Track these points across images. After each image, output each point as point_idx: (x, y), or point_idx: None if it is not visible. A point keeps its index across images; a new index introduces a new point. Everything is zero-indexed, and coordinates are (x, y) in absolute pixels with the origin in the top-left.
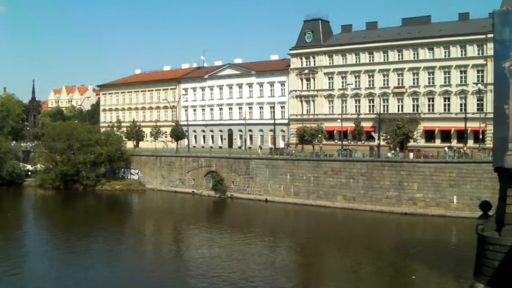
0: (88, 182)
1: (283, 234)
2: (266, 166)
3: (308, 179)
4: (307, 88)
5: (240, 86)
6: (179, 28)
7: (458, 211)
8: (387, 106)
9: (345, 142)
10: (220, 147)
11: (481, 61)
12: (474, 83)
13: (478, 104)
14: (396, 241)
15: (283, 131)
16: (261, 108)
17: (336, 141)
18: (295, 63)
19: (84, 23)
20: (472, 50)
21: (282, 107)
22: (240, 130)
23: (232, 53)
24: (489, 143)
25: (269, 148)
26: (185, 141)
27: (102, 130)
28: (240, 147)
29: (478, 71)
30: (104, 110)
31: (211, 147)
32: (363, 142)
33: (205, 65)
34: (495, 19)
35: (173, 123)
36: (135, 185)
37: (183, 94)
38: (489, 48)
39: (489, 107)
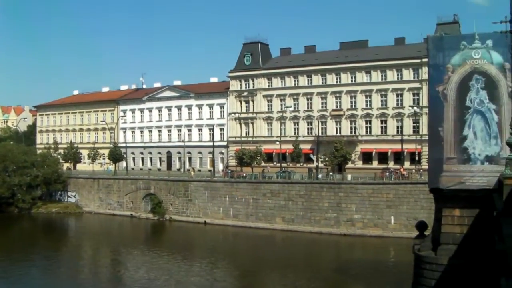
0: (23, 205)
1: (221, 257)
2: (205, 188)
3: (247, 201)
4: (246, 110)
5: (179, 108)
6: (118, 49)
7: (395, 232)
8: (325, 128)
9: (284, 164)
10: (159, 170)
11: (417, 85)
12: (410, 106)
13: (414, 127)
14: (335, 262)
15: (222, 153)
16: (200, 130)
17: (275, 163)
18: (234, 85)
19: (20, 42)
20: (408, 74)
21: (221, 129)
22: (179, 153)
23: (171, 75)
24: (425, 165)
25: (208, 170)
26: (123, 163)
27: (39, 151)
28: (179, 170)
29: (413, 94)
30: (41, 131)
31: (150, 169)
32: (301, 164)
33: (144, 86)
34: (429, 44)
35: (111, 145)
36: (72, 208)
37: (122, 116)
38: (424, 72)
39: (424, 129)
